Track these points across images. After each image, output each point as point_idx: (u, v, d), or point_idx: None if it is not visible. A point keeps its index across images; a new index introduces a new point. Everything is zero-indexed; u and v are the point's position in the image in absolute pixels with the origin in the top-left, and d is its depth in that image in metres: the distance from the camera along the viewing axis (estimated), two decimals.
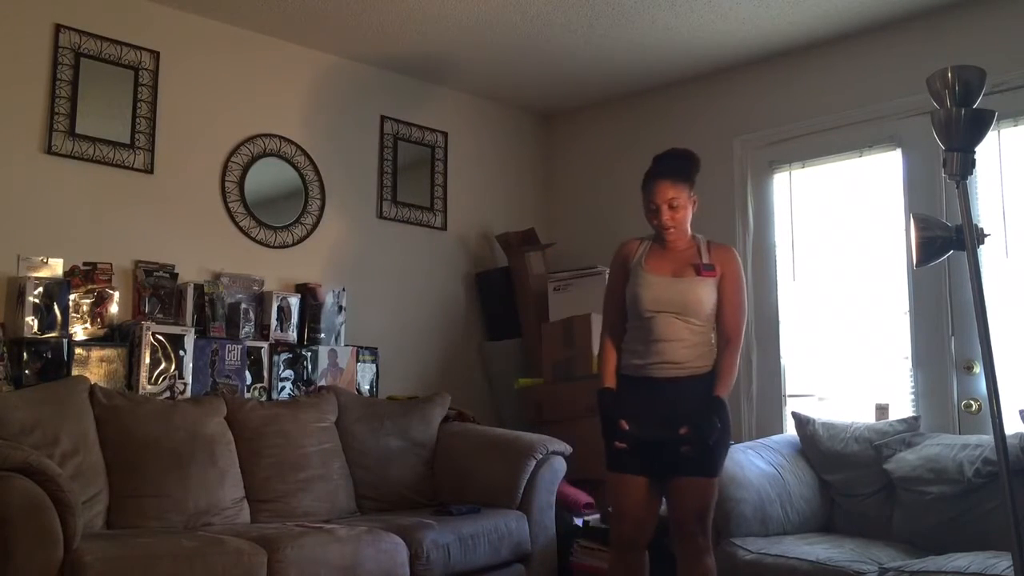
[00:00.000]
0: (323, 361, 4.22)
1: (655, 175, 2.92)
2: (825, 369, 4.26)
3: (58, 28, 3.67)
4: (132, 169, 3.84)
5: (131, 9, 3.89)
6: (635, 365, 2.89)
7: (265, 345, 4.03)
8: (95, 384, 3.39)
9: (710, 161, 4.67)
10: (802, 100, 4.40)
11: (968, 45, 3.81)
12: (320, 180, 4.44)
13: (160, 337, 3.63)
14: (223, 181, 4.13)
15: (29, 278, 3.37)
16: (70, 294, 3.48)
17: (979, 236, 2.22)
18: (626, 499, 2.87)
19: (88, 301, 3.57)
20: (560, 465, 3.89)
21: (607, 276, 3.07)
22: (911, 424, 3.58)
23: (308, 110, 4.45)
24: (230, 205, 4.14)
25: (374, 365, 4.45)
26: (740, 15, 4.05)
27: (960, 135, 2.22)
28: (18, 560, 2.49)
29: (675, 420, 2.75)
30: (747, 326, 4.37)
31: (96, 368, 3.51)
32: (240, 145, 4.19)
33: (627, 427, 2.80)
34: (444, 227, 4.95)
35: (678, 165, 2.93)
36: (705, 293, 2.87)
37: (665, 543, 3.51)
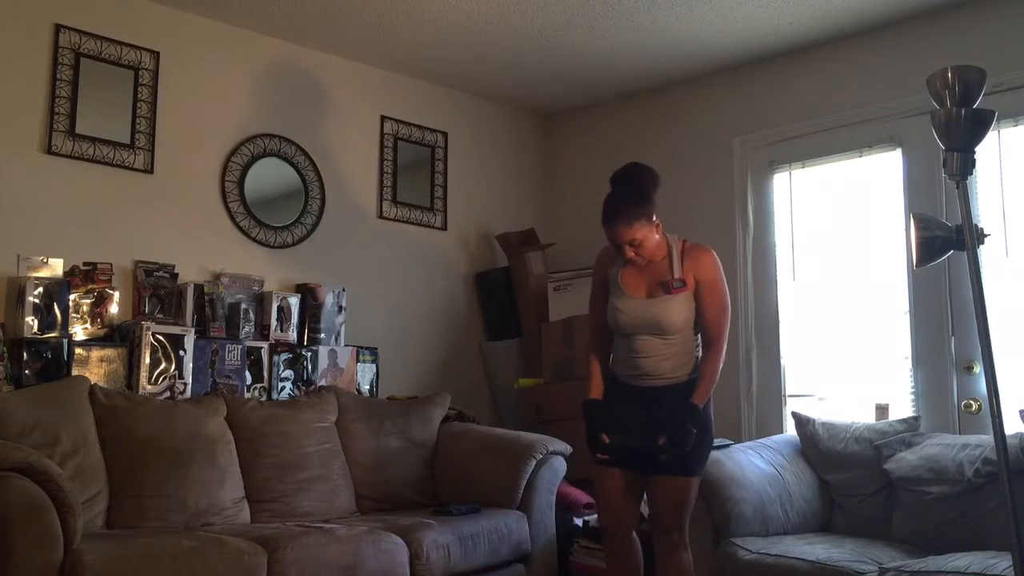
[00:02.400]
0: (323, 361, 4.22)
1: (610, 219, 2.86)
2: (825, 369, 4.26)
3: (58, 28, 3.67)
4: (132, 169, 3.84)
5: (131, 9, 3.89)
6: (622, 373, 3.00)
7: (265, 345, 4.03)
8: (95, 384, 3.39)
9: (710, 161, 4.73)
10: (802, 100, 4.40)
11: (968, 45, 3.81)
12: (320, 180, 4.44)
13: (160, 337, 3.63)
14: (223, 181, 4.13)
15: (29, 278, 3.37)
16: (70, 294, 3.48)
17: (979, 236, 2.22)
18: (607, 492, 2.98)
19: (88, 301, 3.57)
20: (560, 465, 3.89)
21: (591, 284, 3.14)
22: (911, 424, 3.58)
23: (308, 110, 4.45)
24: (230, 205, 4.14)
25: (374, 365, 4.45)
26: (740, 15, 4.05)
27: (960, 135, 2.22)
28: (18, 560, 2.49)
29: (654, 427, 2.83)
30: (747, 326, 4.46)
31: (96, 368, 3.51)
32: (240, 145, 4.19)
33: (608, 440, 2.88)
34: (444, 227, 4.95)
35: (631, 198, 2.86)
36: (677, 311, 2.89)
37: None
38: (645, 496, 3.00)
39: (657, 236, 2.92)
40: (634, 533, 3.02)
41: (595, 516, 3.96)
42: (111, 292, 3.63)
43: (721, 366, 2.92)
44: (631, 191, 2.88)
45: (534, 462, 3.80)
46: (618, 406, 2.95)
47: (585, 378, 3.08)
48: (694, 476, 2.91)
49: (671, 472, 2.86)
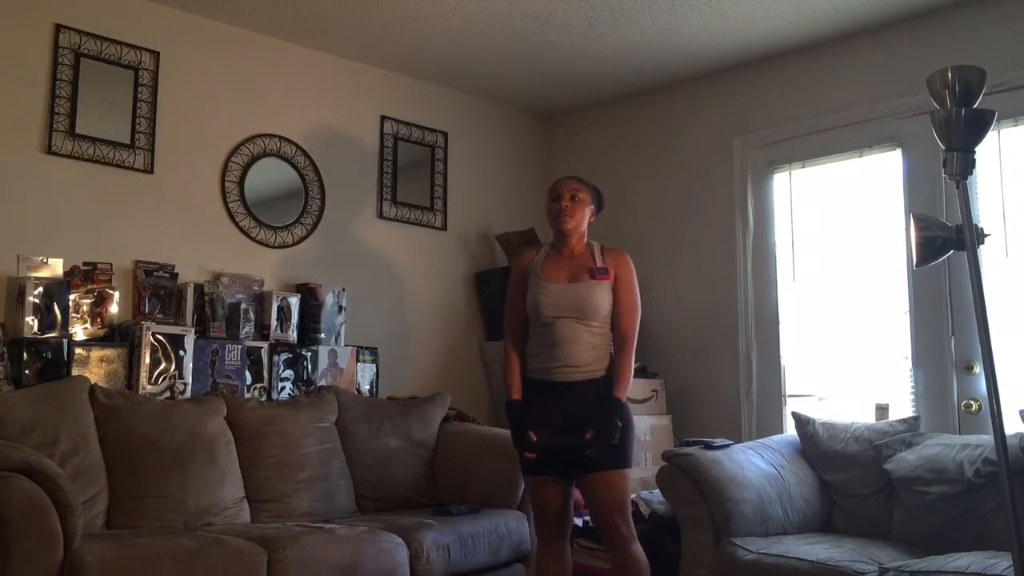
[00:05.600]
0: (323, 361, 4.22)
1: (562, 177, 3.22)
2: (825, 369, 4.26)
3: (58, 28, 3.67)
4: (132, 169, 3.84)
5: (131, 9, 3.89)
6: (539, 369, 3.06)
7: (265, 345, 4.03)
8: (95, 384, 3.39)
9: (710, 161, 4.73)
10: (802, 100, 4.40)
11: (968, 45, 3.81)
12: (320, 180, 4.44)
13: (160, 337, 3.63)
14: (223, 181, 4.13)
15: (29, 278, 3.37)
16: (70, 294, 3.48)
17: (979, 236, 2.22)
18: (543, 499, 3.07)
19: (88, 301, 3.57)
20: None
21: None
22: (911, 424, 3.58)
23: (308, 110, 4.45)
24: (230, 205, 4.14)
25: (374, 365, 4.45)
26: (740, 15, 4.05)
27: (960, 135, 2.22)
28: (18, 560, 2.49)
29: (578, 423, 2.92)
30: (747, 326, 4.47)
31: (96, 368, 3.50)
32: (240, 145, 4.19)
33: (535, 438, 2.96)
34: (444, 227, 4.95)
35: (586, 182, 3.22)
36: (600, 296, 3.03)
37: (665, 543, 3.52)
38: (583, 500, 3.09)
39: (586, 221, 3.15)
40: (567, 545, 3.11)
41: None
42: (111, 292, 3.63)
43: (633, 367, 3.06)
44: (592, 185, 3.24)
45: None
46: (539, 405, 3.02)
47: (505, 379, 3.15)
48: (626, 468, 2.98)
49: (604, 468, 2.93)
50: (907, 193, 4.01)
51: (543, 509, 3.07)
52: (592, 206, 3.18)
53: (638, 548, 2.98)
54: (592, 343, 3.01)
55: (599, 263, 3.08)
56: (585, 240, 3.17)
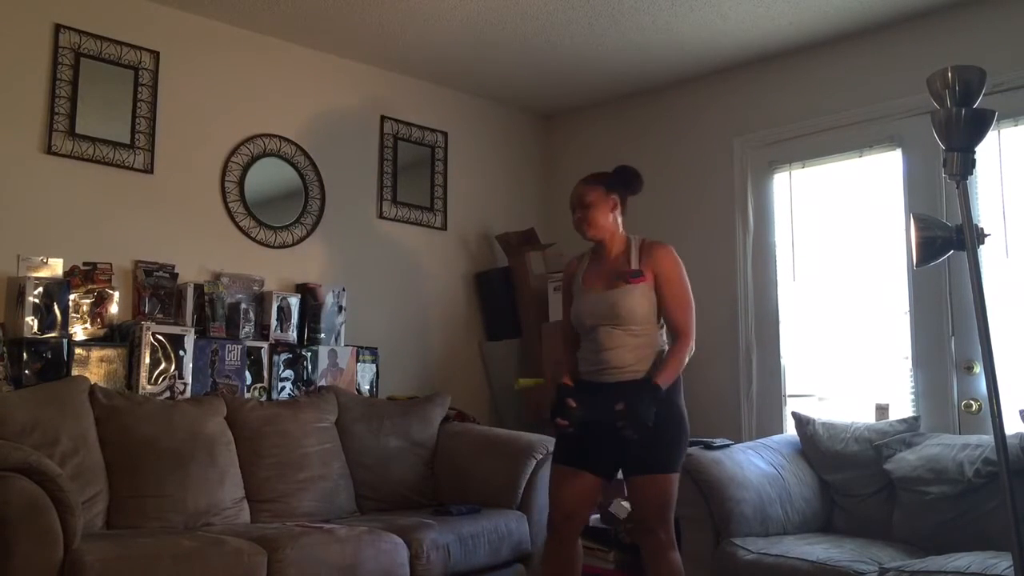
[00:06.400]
0: (323, 361, 4.22)
1: (577, 183, 3.13)
2: (825, 369, 4.26)
3: (58, 28, 3.67)
4: (132, 169, 3.84)
5: (131, 9, 3.89)
6: (588, 372, 3.02)
7: (265, 345, 4.03)
8: (95, 384, 3.39)
9: (710, 161, 4.73)
10: (802, 100, 4.40)
11: (968, 45, 3.80)
12: (320, 180, 4.44)
13: (160, 337, 3.63)
14: (223, 181, 4.13)
15: (29, 278, 3.37)
16: (70, 294, 3.48)
17: (979, 236, 2.22)
18: (560, 490, 3.00)
19: (88, 301, 3.57)
20: None
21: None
22: (911, 424, 3.58)
23: (308, 110, 4.45)
24: (230, 205, 4.14)
25: (374, 365, 4.45)
26: (740, 15, 4.05)
27: (960, 135, 2.22)
28: (18, 560, 2.49)
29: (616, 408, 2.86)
30: (747, 326, 4.46)
31: (96, 368, 3.50)
32: (240, 145, 4.19)
33: (574, 405, 2.91)
34: (444, 227, 4.95)
35: (600, 175, 3.12)
36: (636, 301, 2.95)
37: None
38: (628, 501, 3.05)
39: (611, 218, 3.05)
40: (579, 540, 3.04)
41: (595, 516, 3.96)
42: (111, 292, 3.63)
43: (687, 358, 2.97)
44: (614, 174, 3.12)
45: (534, 462, 3.80)
46: (585, 394, 2.97)
47: (557, 371, 3.15)
48: (671, 473, 2.90)
49: (646, 470, 2.87)
50: (907, 193, 4.01)
51: (554, 505, 3.02)
52: (613, 197, 3.05)
53: (675, 556, 2.89)
54: (635, 344, 2.93)
55: (634, 264, 2.99)
56: (624, 237, 3.08)
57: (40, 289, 3.38)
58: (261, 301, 4.09)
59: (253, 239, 4.19)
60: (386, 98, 4.76)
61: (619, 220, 3.09)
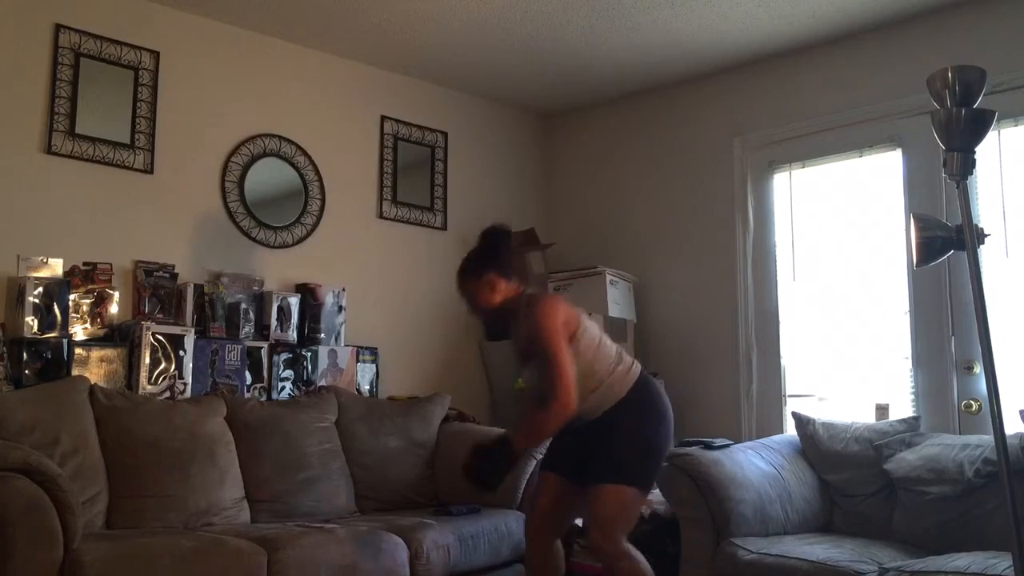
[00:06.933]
0: (323, 361, 4.22)
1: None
2: (825, 369, 4.26)
3: (58, 28, 3.67)
4: (132, 169, 3.84)
5: (131, 9, 3.89)
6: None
7: (265, 345, 4.03)
8: (95, 384, 3.39)
9: (710, 161, 4.73)
10: (802, 100, 4.40)
11: (968, 45, 3.81)
12: (320, 180, 4.44)
13: (160, 337, 3.63)
14: (223, 181, 4.13)
15: (29, 278, 3.37)
16: (70, 294, 3.48)
17: (979, 236, 2.21)
18: (540, 495, 3.03)
19: (88, 301, 3.57)
20: None
21: None
22: (911, 424, 3.58)
23: (308, 110, 4.45)
24: (230, 205, 4.14)
25: (374, 365, 4.45)
26: (740, 15, 4.05)
27: (960, 135, 2.22)
28: (18, 560, 2.49)
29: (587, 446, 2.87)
30: (747, 326, 4.46)
31: (96, 368, 3.50)
32: (240, 145, 4.19)
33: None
34: (444, 227, 4.94)
35: (465, 264, 3.05)
36: (543, 369, 2.81)
37: (665, 543, 3.52)
38: None
39: (497, 293, 2.96)
40: (558, 543, 3.04)
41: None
42: (111, 292, 3.63)
43: (555, 422, 2.75)
44: (481, 247, 3.07)
45: (534, 462, 3.80)
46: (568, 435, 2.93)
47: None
48: (625, 485, 2.78)
49: (597, 480, 2.80)
50: (907, 193, 4.01)
51: (533, 502, 3.09)
52: (488, 276, 2.95)
53: (627, 565, 2.77)
54: (583, 395, 2.80)
55: (523, 338, 2.89)
56: (518, 299, 2.98)
57: (40, 289, 3.38)
58: (261, 301, 4.09)
59: (253, 239, 4.19)
60: (386, 98, 4.76)
61: (509, 285, 2.99)
